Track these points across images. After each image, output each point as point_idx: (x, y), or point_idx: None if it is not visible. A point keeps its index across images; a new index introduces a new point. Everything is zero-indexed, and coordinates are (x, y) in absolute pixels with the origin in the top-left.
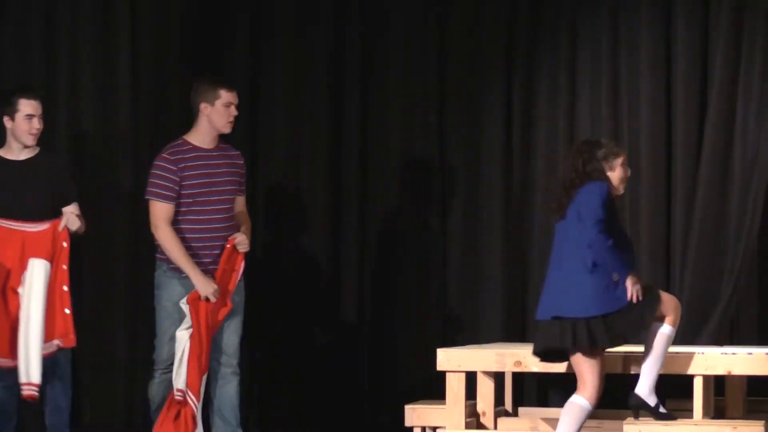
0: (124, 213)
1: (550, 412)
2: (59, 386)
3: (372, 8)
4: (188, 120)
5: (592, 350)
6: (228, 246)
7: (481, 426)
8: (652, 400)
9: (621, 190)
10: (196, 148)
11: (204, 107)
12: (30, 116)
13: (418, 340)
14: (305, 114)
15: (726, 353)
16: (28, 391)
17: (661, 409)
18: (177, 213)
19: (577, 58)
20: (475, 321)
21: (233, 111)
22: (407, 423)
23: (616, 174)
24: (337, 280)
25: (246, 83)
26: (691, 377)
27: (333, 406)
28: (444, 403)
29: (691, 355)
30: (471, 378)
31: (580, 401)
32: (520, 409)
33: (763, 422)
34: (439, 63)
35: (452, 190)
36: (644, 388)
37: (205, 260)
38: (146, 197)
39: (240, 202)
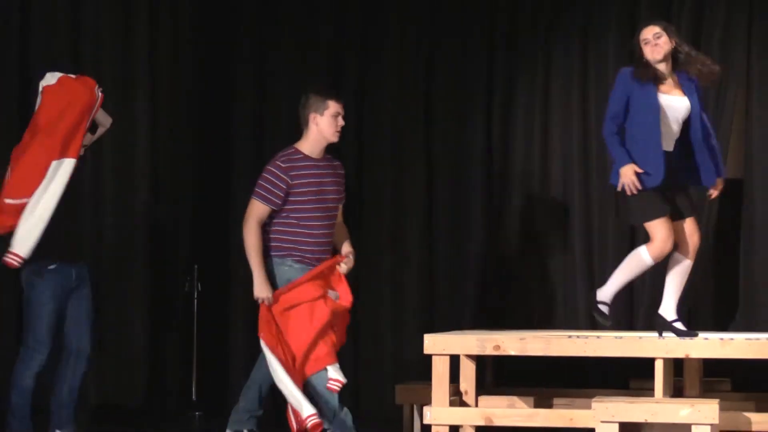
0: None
1: (526, 391)
2: (80, 368)
3: (366, 34)
4: (200, 114)
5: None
6: (337, 258)
7: (463, 404)
8: (671, 316)
9: (655, 55)
10: (306, 158)
11: (313, 117)
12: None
13: (408, 326)
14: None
15: (684, 338)
16: (9, 259)
17: (680, 326)
18: (287, 218)
19: (551, 74)
20: (458, 309)
21: (340, 121)
22: (398, 401)
23: (647, 48)
24: None
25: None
26: (652, 360)
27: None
28: (430, 383)
29: (653, 340)
30: (455, 360)
31: (642, 251)
32: (499, 388)
33: (717, 400)
34: (426, 78)
35: (438, 188)
36: (667, 307)
37: (310, 266)
38: (252, 196)
39: (340, 211)
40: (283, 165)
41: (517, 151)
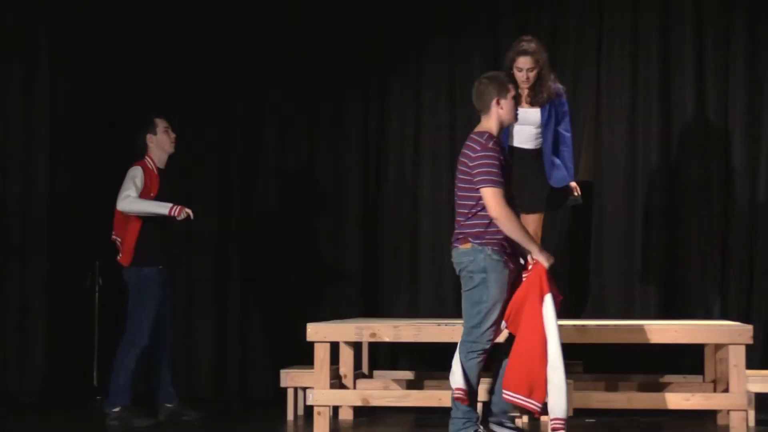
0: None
1: (399, 374)
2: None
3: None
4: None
5: None
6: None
7: (343, 386)
8: None
9: (523, 84)
10: (498, 141)
11: (497, 101)
12: (167, 128)
13: (291, 316)
14: (199, 127)
15: None
16: None
17: None
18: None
19: (422, 93)
20: (337, 300)
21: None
22: (282, 384)
23: (519, 74)
24: (234, 272)
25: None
26: None
27: (222, 372)
28: (312, 368)
29: None
30: (334, 347)
31: None
32: (375, 372)
33: (571, 381)
34: (309, 96)
35: (320, 194)
36: None
37: (505, 253)
38: (482, 186)
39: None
40: (496, 147)
41: (392, 156)
